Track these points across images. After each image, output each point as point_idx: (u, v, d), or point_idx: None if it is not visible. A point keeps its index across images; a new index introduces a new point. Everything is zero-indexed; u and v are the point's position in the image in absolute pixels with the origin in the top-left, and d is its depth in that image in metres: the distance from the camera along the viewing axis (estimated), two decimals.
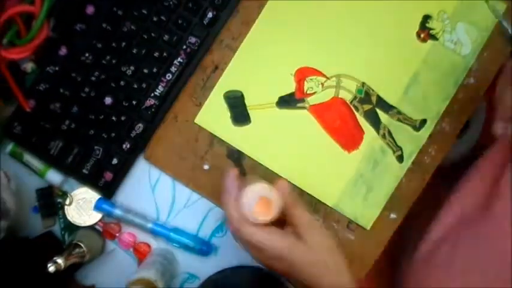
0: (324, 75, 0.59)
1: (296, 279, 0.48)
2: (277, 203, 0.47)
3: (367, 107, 0.59)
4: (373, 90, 0.59)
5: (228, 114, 0.59)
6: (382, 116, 0.59)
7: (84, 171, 0.57)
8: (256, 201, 0.46)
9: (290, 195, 0.48)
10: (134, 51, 0.56)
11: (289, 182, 0.59)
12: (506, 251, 0.51)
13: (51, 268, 0.50)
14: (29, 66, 0.55)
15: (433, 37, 0.58)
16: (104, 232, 0.60)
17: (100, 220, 0.60)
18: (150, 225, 0.59)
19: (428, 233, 0.57)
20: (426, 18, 0.58)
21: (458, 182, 0.58)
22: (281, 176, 0.59)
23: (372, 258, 0.60)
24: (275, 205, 0.46)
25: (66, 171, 0.58)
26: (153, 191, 0.60)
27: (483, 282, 0.52)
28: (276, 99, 0.59)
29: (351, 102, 0.59)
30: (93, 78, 0.56)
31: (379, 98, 0.59)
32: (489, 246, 0.53)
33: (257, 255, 0.48)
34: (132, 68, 0.56)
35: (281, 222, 0.48)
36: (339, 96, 0.59)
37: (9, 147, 0.57)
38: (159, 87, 0.57)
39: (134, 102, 0.57)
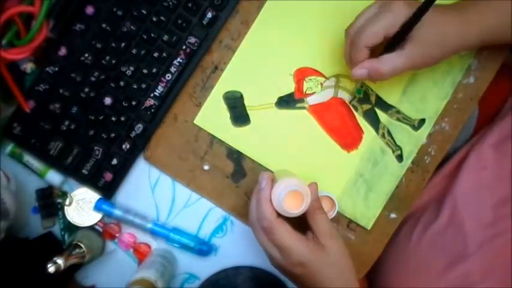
0: (323, 75, 0.59)
1: (308, 285, 0.50)
2: (307, 198, 0.48)
3: (366, 106, 0.59)
4: (372, 90, 0.59)
5: (228, 114, 0.59)
6: (381, 115, 0.59)
7: (84, 171, 0.57)
8: (287, 194, 0.47)
9: (317, 200, 0.50)
10: (134, 51, 0.56)
11: None
12: (462, 223, 0.57)
13: (51, 268, 0.50)
14: (28, 67, 0.55)
15: None
16: (103, 232, 0.60)
17: (100, 220, 0.60)
18: (149, 225, 0.59)
19: None
20: None
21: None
22: None
23: (372, 258, 0.61)
24: (305, 199, 0.48)
25: (66, 171, 0.58)
26: (152, 191, 0.60)
27: (438, 252, 0.58)
28: (275, 100, 0.59)
29: (350, 102, 0.59)
30: (92, 79, 0.56)
31: (378, 98, 0.59)
32: (446, 221, 0.59)
33: (282, 259, 0.49)
34: (131, 68, 0.56)
35: (301, 226, 0.50)
36: (338, 96, 0.59)
37: (9, 147, 0.57)
38: (159, 87, 0.57)
39: (134, 103, 0.57)
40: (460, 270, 0.56)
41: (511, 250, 0.55)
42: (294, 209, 0.48)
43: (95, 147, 0.57)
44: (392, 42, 0.49)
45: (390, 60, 0.49)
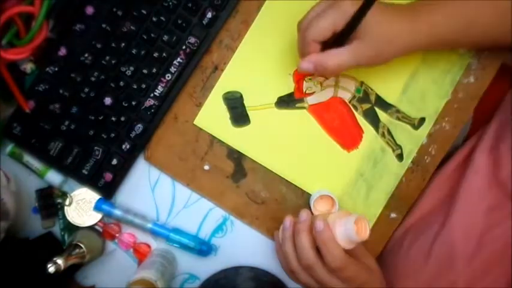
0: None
1: None
2: (366, 221, 0.49)
3: (366, 106, 0.59)
4: (371, 89, 0.59)
5: (228, 115, 0.59)
6: (381, 114, 0.59)
7: (84, 171, 0.57)
8: (354, 226, 0.48)
9: None
10: (134, 51, 0.56)
11: (289, 182, 0.59)
12: (452, 232, 0.57)
13: (51, 269, 0.50)
14: (28, 67, 0.55)
15: None
16: (103, 232, 0.60)
17: (100, 220, 0.60)
18: (149, 225, 0.59)
19: (397, 229, 0.62)
20: None
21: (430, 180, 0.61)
22: (280, 176, 0.59)
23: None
24: (366, 223, 0.49)
25: (66, 171, 0.58)
26: (152, 192, 0.60)
27: (425, 260, 0.58)
28: (275, 100, 0.59)
29: (350, 101, 0.59)
30: (92, 79, 0.56)
31: (377, 97, 0.59)
32: (437, 229, 0.59)
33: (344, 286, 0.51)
34: (131, 68, 0.56)
35: None
36: (338, 96, 0.59)
37: (9, 147, 0.57)
38: (159, 87, 0.57)
39: (134, 103, 0.57)
40: (446, 280, 0.56)
41: (498, 262, 0.54)
42: (364, 235, 0.49)
43: (95, 147, 0.57)
44: (340, 37, 0.49)
45: (336, 55, 0.49)
